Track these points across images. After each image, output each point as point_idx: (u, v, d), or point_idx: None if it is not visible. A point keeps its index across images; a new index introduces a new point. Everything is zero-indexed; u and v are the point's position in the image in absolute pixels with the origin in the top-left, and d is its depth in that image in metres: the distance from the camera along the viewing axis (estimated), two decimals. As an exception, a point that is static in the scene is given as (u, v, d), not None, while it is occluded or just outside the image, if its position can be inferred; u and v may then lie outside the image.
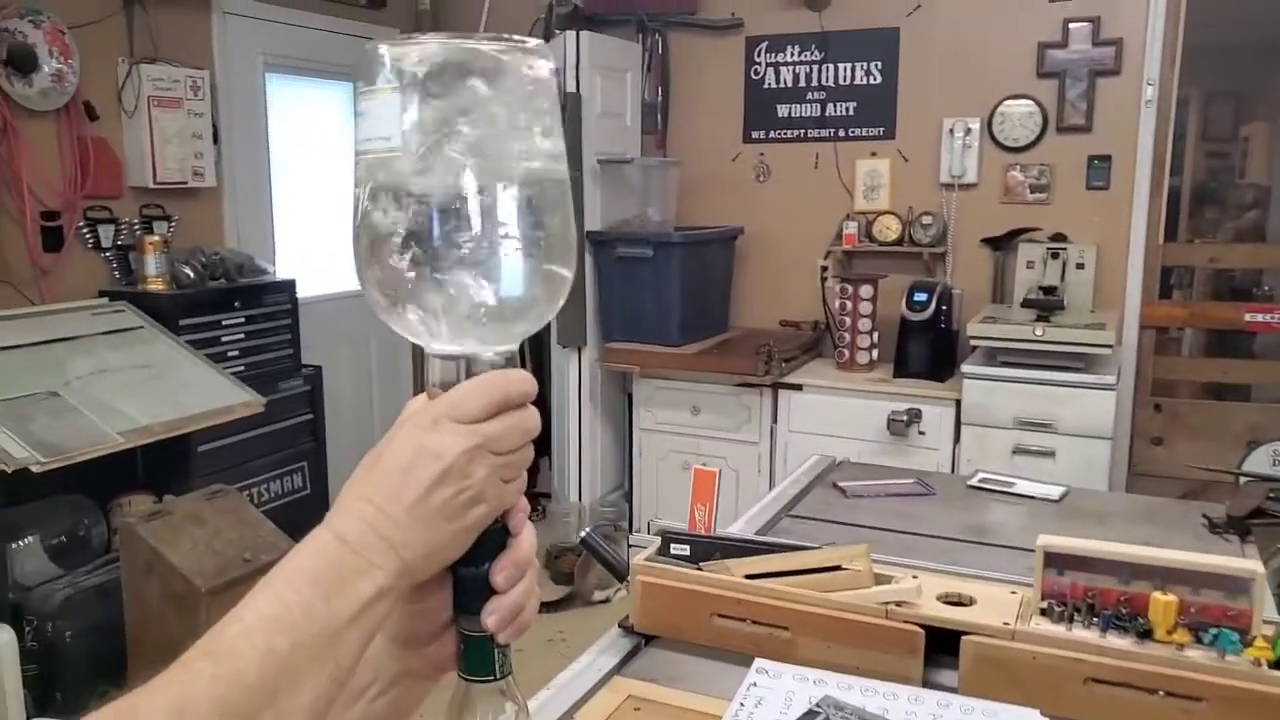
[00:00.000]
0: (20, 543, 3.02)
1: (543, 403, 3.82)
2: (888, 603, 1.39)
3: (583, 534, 1.81)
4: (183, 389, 3.20)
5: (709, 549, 1.57)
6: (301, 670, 0.55)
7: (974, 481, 2.19)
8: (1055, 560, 1.37)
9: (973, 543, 1.86)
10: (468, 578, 0.64)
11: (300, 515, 3.69)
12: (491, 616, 0.64)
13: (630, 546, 1.70)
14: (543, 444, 4.61)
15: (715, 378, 4.01)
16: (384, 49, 0.63)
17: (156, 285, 3.57)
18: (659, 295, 4.10)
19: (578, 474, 4.32)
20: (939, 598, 1.42)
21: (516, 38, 0.64)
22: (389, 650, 0.68)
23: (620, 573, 1.70)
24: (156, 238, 3.62)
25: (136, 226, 3.70)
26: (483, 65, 0.63)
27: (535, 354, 4.76)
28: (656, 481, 4.21)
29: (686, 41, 4.57)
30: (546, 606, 3.84)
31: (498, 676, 0.66)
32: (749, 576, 1.49)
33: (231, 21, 4.07)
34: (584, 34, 4.15)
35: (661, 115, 4.60)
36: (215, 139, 3.92)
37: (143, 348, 3.30)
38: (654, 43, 4.56)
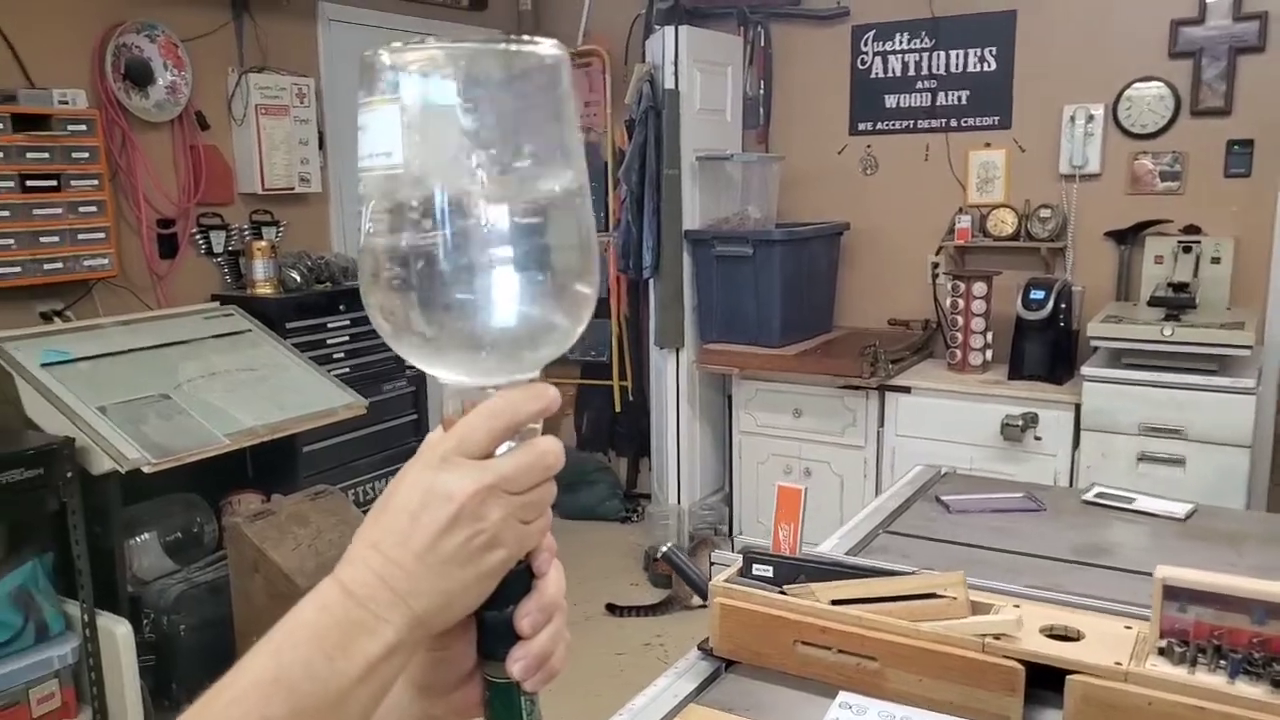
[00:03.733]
0: (139, 539, 3.14)
1: (641, 405, 3.75)
2: (985, 635, 1.29)
3: (664, 549, 1.76)
4: (288, 391, 3.27)
5: (793, 571, 1.49)
6: None
7: (1089, 496, 2.04)
8: (1177, 594, 1.23)
9: (1085, 565, 1.73)
10: (491, 622, 0.60)
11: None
12: (517, 664, 0.59)
13: (712, 564, 1.63)
14: (642, 446, 4.61)
15: (818, 379, 3.89)
16: (384, 55, 0.58)
17: (265, 289, 3.67)
18: (759, 295, 4.00)
19: (676, 477, 4.26)
20: (1043, 630, 1.30)
21: (526, 38, 0.59)
22: (410, 697, 0.64)
23: (702, 590, 1.64)
24: (264, 243, 3.72)
25: (246, 232, 3.82)
26: (488, 69, 0.58)
27: (635, 355, 4.73)
28: (757, 485, 4.12)
29: (790, 33, 4.45)
30: (645, 610, 3.79)
31: None
32: (835, 602, 1.40)
33: (335, 29, 4.16)
34: (684, 29, 4.07)
35: (764, 109, 4.50)
36: (321, 145, 4.01)
37: (250, 351, 3.39)
38: (756, 35, 4.45)
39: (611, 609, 3.81)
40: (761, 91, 4.47)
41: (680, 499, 4.26)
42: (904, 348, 3.98)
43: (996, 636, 1.28)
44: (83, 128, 3.14)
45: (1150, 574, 1.25)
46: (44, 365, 2.92)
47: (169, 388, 3.06)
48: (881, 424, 3.83)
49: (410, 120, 0.57)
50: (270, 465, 3.45)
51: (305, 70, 4.00)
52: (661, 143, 4.04)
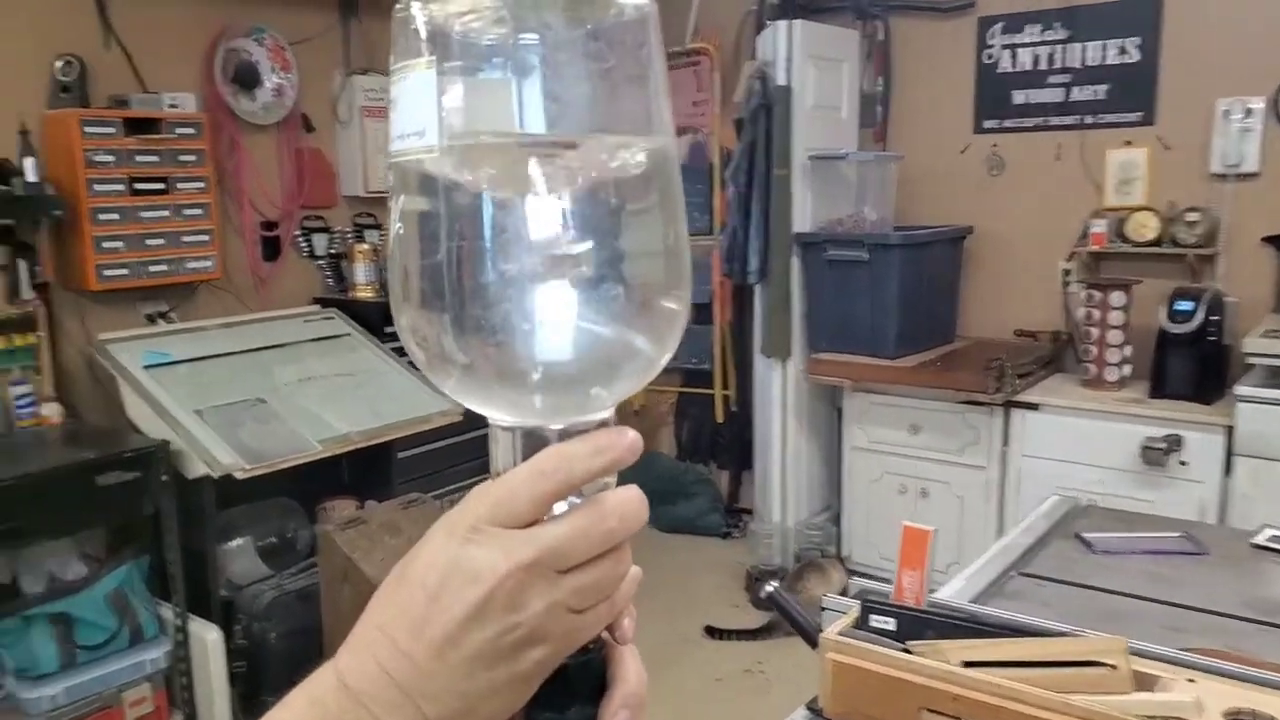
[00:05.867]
0: (233, 543, 3.12)
1: (744, 415, 3.55)
2: (1155, 717, 1.08)
3: (768, 589, 1.59)
4: (383, 397, 3.21)
5: (919, 625, 1.31)
6: None
7: (1261, 540, 1.78)
8: (1397, 679, 1.01)
9: (1261, 624, 1.48)
10: None
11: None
12: None
13: (823, 610, 1.45)
14: (745, 458, 4.42)
15: (938, 394, 3.64)
16: (415, 8, 0.45)
17: (365, 293, 3.63)
18: (874, 302, 3.78)
19: (781, 493, 4.06)
20: (1227, 715, 1.09)
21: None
22: None
23: (812, 637, 1.47)
24: (366, 246, 3.68)
25: (349, 235, 3.79)
26: (551, 23, 0.44)
27: (738, 363, 4.55)
28: (869, 505, 3.89)
29: (911, 26, 4.21)
30: (746, 634, 3.61)
31: None
32: (968, 664, 1.21)
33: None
34: (798, 23, 3.89)
35: (882, 106, 4.27)
36: (426, 146, 3.96)
37: (348, 355, 3.35)
38: (874, 29, 4.23)
39: (711, 632, 3.64)
40: (879, 88, 4.25)
41: (785, 517, 4.06)
42: (1031, 361, 3.70)
43: (1169, 720, 1.07)
44: (191, 131, 3.14)
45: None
46: (146, 367, 2.92)
47: (266, 391, 3.03)
48: (1006, 443, 3.57)
49: (448, 90, 0.44)
50: (365, 471, 3.39)
51: (410, 71, 3.96)
52: (771, 142, 3.86)
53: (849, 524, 3.98)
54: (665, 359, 0.49)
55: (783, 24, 3.88)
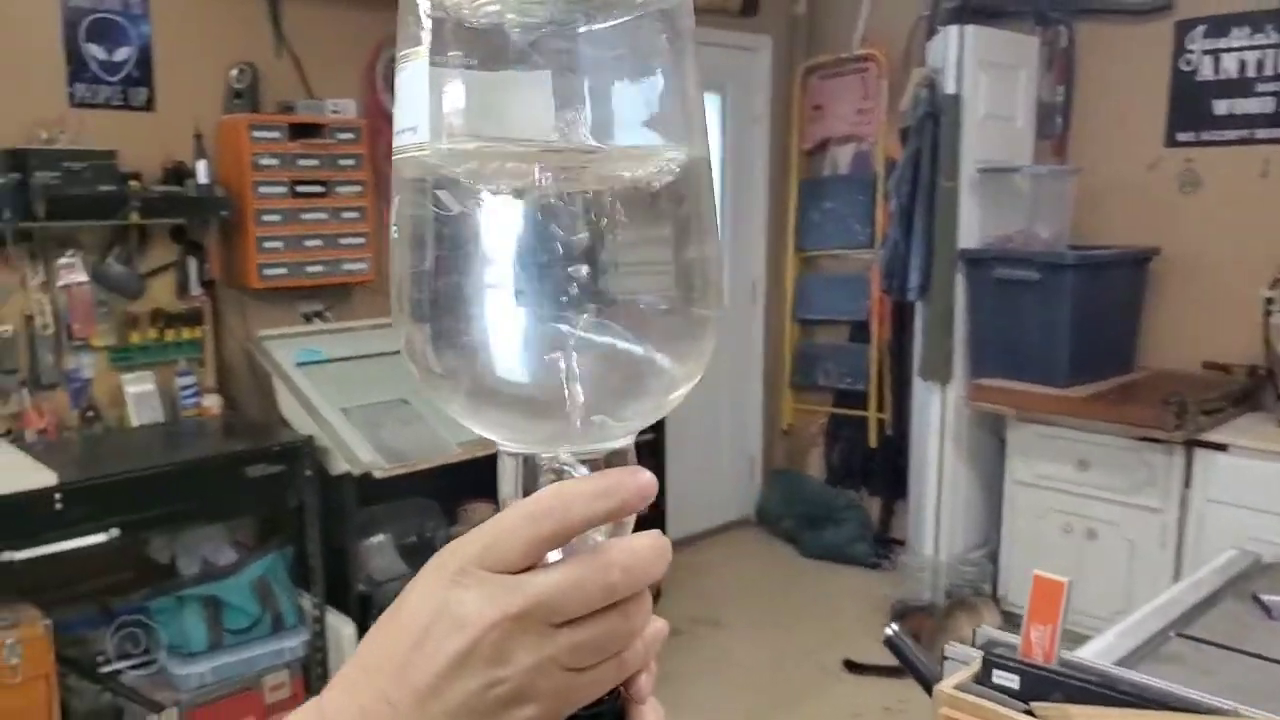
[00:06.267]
0: (374, 540, 3.19)
1: (900, 441, 3.34)
2: (1327, 826, 0.90)
3: (889, 632, 1.46)
4: (524, 402, 3.22)
5: (1046, 685, 1.16)
6: None
7: None
8: None
9: None
10: None
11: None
12: None
13: (944, 659, 1.31)
14: (898, 486, 4.19)
15: (1111, 428, 3.35)
16: None
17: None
18: (1045, 326, 3.51)
19: (935, 525, 3.83)
20: None
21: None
22: None
23: (930, 685, 1.34)
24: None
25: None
26: (559, 9, 0.41)
27: (896, 385, 4.34)
28: (1030, 543, 3.61)
29: (1098, 31, 3.91)
30: (888, 670, 3.41)
31: None
32: (1100, 736, 1.06)
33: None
34: (970, 28, 3.67)
35: (1061, 117, 3.98)
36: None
37: (492, 359, 3.38)
38: (1055, 34, 3.95)
39: (850, 666, 3.47)
40: (1059, 97, 3.96)
41: (938, 550, 3.83)
42: (1220, 397, 3.35)
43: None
44: (350, 136, 3.24)
45: None
46: (299, 364, 3.03)
47: (409, 393, 3.08)
48: (1187, 485, 3.23)
49: (445, 82, 0.42)
50: (504, 476, 3.41)
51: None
52: (938, 152, 3.66)
53: (1007, 562, 3.71)
54: (683, 388, 0.44)
55: (954, 29, 3.68)
